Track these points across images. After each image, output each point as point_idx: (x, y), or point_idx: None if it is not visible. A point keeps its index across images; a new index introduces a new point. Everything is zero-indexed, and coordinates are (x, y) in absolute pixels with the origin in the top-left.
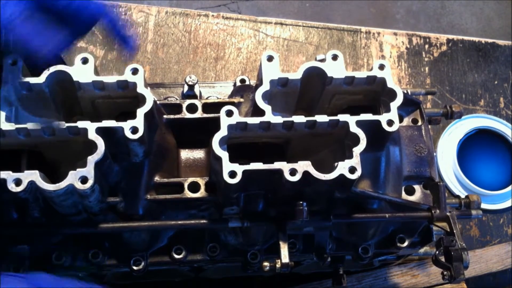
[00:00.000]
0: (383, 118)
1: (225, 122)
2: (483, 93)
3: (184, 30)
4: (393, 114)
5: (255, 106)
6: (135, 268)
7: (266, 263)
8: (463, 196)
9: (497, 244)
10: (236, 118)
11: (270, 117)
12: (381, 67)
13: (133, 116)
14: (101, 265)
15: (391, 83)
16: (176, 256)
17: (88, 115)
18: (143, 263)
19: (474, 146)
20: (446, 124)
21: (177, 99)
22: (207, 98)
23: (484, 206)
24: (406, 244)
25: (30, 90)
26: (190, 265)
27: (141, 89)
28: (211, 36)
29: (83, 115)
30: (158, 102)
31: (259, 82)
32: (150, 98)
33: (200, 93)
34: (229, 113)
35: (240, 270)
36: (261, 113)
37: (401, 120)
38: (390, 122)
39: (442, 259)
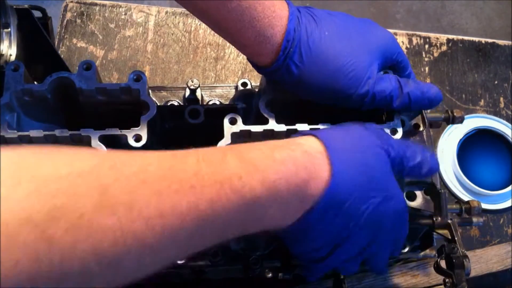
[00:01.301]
0: (386, 126)
1: (228, 130)
2: (483, 93)
3: (184, 30)
4: (397, 123)
5: (258, 113)
6: None
7: (269, 273)
8: (463, 197)
9: (497, 244)
10: (240, 126)
11: (274, 125)
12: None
13: (135, 121)
14: None
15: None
16: (178, 262)
17: (90, 120)
18: None
19: (474, 146)
20: (446, 124)
21: (179, 103)
22: (208, 102)
23: (484, 206)
24: (407, 249)
25: (32, 96)
26: (191, 269)
27: (144, 96)
28: (211, 36)
29: (85, 119)
30: (159, 105)
31: (262, 87)
32: (154, 105)
33: (202, 96)
34: (233, 121)
35: (241, 271)
36: (264, 120)
37: (403, 126)
38: (393, 131)
39: (443, 265)
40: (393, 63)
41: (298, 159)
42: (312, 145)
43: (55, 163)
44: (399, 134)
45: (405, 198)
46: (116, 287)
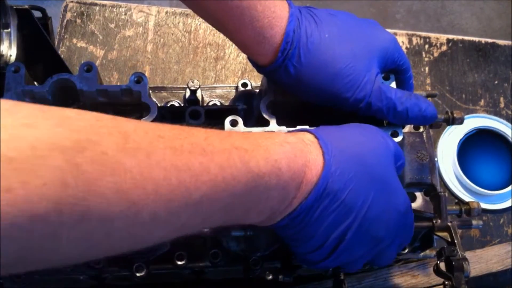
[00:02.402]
0: (387, 129)
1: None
2: (483, 93)
3: (184, 30)
4: (398, 126)
5: (259, 114)
6: (137, 274)
7: (269, 275)
8: (463, 197)
9: (497, 244)
10: (241, 128)
11: (275, 127)
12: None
13: None
14: (102, 270)
15: None
16: (178, 262)
17: None
18: (145, 270)
19: (474, 146)
20: (446, 125)
21: (179, 103)
22: (208, 103)
23: (484, 206)
24: (407, 250)
25: (33, 98)
26: (191, 269)
27: (145, 98)
28: (211, 36)
29: None
30: (160, 106)
31: (263, 88)
32: (155, 107)
33: (202, 97)
34: (234, 123)
35: (241, 272)
36: (265, 122)
37: (403, 127)
38: (394, 133)
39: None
40: (394, 67)
41: (295, 144)
42: (305, 136)
43: (77, 111)
44: (399, 137)
45: None
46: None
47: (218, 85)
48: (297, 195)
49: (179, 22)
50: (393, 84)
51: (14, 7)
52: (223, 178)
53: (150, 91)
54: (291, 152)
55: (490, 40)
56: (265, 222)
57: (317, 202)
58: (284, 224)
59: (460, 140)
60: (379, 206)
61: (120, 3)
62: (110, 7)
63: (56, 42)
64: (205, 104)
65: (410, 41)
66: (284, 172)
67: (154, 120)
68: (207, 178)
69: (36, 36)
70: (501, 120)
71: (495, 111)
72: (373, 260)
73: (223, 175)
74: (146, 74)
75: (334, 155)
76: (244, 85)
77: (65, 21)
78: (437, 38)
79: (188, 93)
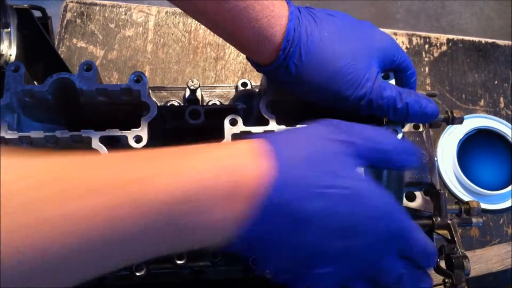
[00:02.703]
0: (387, 127)
1: (229, 131)
2: (483, 93)
3: (184, 30)
4: (398, 124)
5: (259, 114)
6: (137, 274)
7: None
8: (463, 197)
9: (497, 244)
10: (241, 127)
11: (275, 126)
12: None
13: (136, 122)
14: None
15: None
16: (178, 262)
17: (90, 121)
18: (145, 270)
19: (474, 146)
20: (446, 124)
21: (179, 103)
22: (208, 103)
23: (484, 206)
24: None
25: (33, 97)
26: (191, 269)
27: (145, 97)
28: (211, 36)
29: (86, 120)
30: (160, 106)
31: (262, 87)
32: (154, 106)
33: (202, 96)
34: (233, 122)
35: (240, 272)
36: (265, 121)
37: (403, 126)
38: (393, 132)
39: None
40: (394, 66)
41: (226, 161)
42: (249, 145)
43: None
44: (399, 136)
45: (405, 199)
46: None
47: (218, 85)
48: (236, 217)
49: (179, 22)
50: (393, 82)
51: (14, 6)
52: (105, 220)
53: (150, 91)
54: (214, 172)
55: (490, 40)
56: (218, 245)
57: (263, 218)
58: (238, 247)
59: (460, 140)
60: (342, 213)
61: (120, 3)
62: (110, 7)
63: (56, 42)
64: (204, 104)
65: (410, 41)
66: (205, 197)
67: (153, 120)
68: (85, 226)
69: (36, 36)
70: (501, 120)
71: (495, 111)
72: (375, 277)
73: (111, 218)
74: (146, 74)
75: (283, 167)
76: (244, 84)
77: (65, 21)
78: (437, 38)
79: (187, 93)
